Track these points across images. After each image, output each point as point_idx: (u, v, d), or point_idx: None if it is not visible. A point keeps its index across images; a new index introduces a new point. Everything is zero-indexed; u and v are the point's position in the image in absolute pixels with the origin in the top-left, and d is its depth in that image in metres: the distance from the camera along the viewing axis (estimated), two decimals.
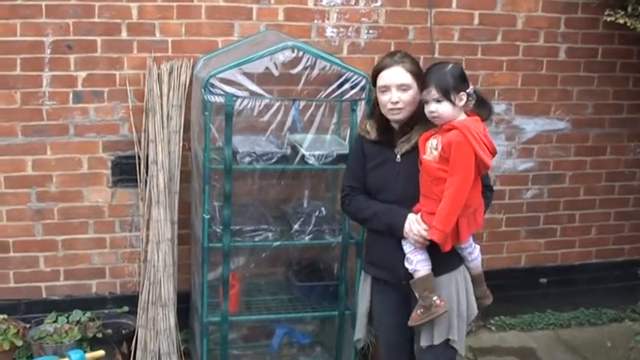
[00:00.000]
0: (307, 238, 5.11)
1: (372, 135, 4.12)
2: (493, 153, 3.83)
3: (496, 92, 6.05)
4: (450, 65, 3.83)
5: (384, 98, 3.99)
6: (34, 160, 5.35)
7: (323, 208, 5.28)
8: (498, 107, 6.06)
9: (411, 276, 3.96)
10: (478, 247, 4.15)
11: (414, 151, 3.95)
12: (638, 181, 6.68)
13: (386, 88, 3.98)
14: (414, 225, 3.89)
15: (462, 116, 3.81)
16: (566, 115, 6.33)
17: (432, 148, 3.82)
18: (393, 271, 4.08)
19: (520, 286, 6.45)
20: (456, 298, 4.05)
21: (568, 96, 6.30)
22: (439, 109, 3.75)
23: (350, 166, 4.33)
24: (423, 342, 4.06)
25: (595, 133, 6.46)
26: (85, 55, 5.27)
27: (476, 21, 5.93)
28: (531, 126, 6.26)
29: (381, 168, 4.08)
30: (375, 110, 4.17)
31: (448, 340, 4.02)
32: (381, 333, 4.41)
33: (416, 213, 3.93)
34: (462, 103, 3.77)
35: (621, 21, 5.38)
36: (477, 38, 5.96)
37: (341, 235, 5.06)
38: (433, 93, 3.74)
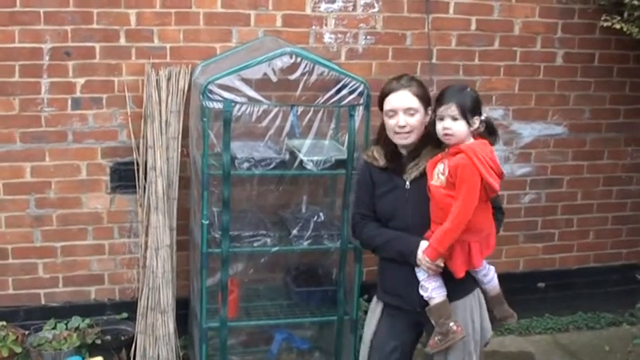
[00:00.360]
0: (306, 243, 5.11)
1: (380, 162, 4.11)
2: (500, 176, 3.83)
3: (493, 97, 6.06)
4: (469, 88, 3.88)
5: (391, 122, 3.99)
6: (32, 166, 5.36)
7: (321, 214, 5.28)
8: (496, 112, 6.08)
9: (425, 303, 3.95)
10: (493, 268, 4.14)
11: (423, 177, 3.95)
12: (635, 186, 6.69)
13: (393, 112, 3.97)
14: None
15: (470, 140, 3.83)
16: (563, 120, 6.34)
17: (439, 173, 3.83)
18: (407, 298, 4.07)
19: (518, 290, 6.42)
20: (471, 323, 4.05)
21: (565, 101, 6.31)
22: (454, 127, 3.77)
23: (358, 194, 4.30)
24: None
25: (592, 138, 6.47)
26: (84, 62, 5.28)
27: (473, 26, 5.94)
28: (529, 131, 6.28)
29: (390, 195, 4.07)
30: (381, 135, 4.17)
31: None
32: (383, 355, 4.30)
33: (428, 240, 3.91)
34: (475, 126, 3.80)
35: (617, 26, 5.40)
36: (474, 44, 5.98)
37: (339, 241, 5.06)
38: (453, 109, 3.76)
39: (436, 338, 3.92)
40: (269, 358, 5.59)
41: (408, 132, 3.96)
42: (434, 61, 5.83)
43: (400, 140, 4.01)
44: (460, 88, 3.89)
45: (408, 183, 4.01)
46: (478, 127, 3.82)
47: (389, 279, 4.17)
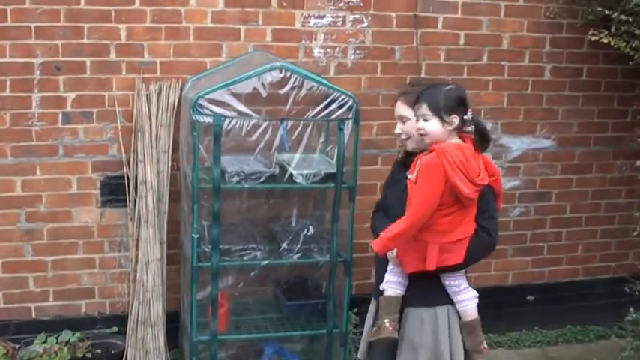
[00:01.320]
0: (295, 256, 5.14)
1: (400, 155, 4.28)
2: (474, 183, 3.70)
3: (482, 111, 6.07)
4: (450, 86, 3.83)
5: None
6: (23, 180, 5.37)
7: (311, 227, 5.29)
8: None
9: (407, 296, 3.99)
10: (472, 291, 4.00)
11: None
12: (623, 199, 6.72)
13: (397, 119, 4.08)
14: None
15: (454, 140, 3.77)
16: (551, 134, 6.38)
17: (416, 169, 3.80)
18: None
19: (508, 303, 6.47)
20: (432, 339, 3.97)
21: (553, 115, 6.35)
22: (426, 126, 3.74)
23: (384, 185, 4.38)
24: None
25: (581, 152, 6.51)
26: (74, 77, 5.30)
27: (462, 41, 5.98)
28: (517, 145, 6.31)
29: (394, 187, 4.12)
30: None
31: None
32: (374, 349, 4.24)
33: None
34: (453, 126, 3.73)
35: (605, 41, 5.42)
36: (462, 58, 6.01)
37: (329, 254, 5.08)
38: (424, 108, 3.74)
39: (374, 328, 4.02)
40: None
41: (405, 139, 4.04)
42: (422, 75, 5.85)
43: (406, 143, 4.09)
44: (435, 86, 3.84)
45: (410, 177, 4.00)
46: (462, 127, 3.75)
47: (378, 271, 4.20)
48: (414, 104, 3.85)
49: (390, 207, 4.10)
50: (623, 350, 4.92)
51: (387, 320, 3.89)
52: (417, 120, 3.82)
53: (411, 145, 4.03)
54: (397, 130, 4.05)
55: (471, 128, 3.78)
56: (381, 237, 3.79)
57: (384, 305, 3.94)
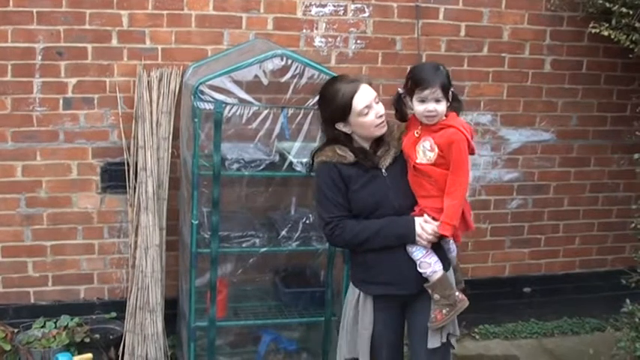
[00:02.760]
0: (294, 244, 5.17)
1: (349, 157, 4.02)
2: (472, 137, 3.93)
3: (482, 103, 6.11)
4: (441, 65, 3.92)
5: (368, 119, 3.93)
6: (23, 165, 5.39)
7: (310, 215, 5.28)
8: (484, 118, 6.15)
9: (421, 283, 3.99)
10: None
11: (396, 162, 4.01)
12: (621, 193, 6.74)
13: (368, 108, 3.93)
14: (426, 225, 3.91)
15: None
16: (551, 127, 6.40)
17: (425, 150, 3.86)
18: (404, 283, 4.06)
19: (504, 295, 6.50)
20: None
21: (553, 107, 6.37)
22: (438, 108, 3.81)
23: (328, 198, 4.08)
24: (432, 344, 4.08)
25: (579, 145, 6.53)
26: (76, 62, 5.31)
27: (462, 32, 6.00)
28: (516, 137, 6.33)
29: (370, 186, 4.02)
30: (336, 138, 4.08)
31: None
32: (381, 351, 4.26)
33: (419, 215, 3.96)
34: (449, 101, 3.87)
35: (605, 33, 5.43)
36: (463, 49, 6.03)
37: (328, 242, 5.08)
38: (437, 92, 3.79)
39: (444, 311, 3.96)
40: (256, 358, 5.61)
41: (384, 119, 3.99)
42: None
43: (381, 130, 3.99)
44: (435, 67, 3.90)
45: (384, 171, 4.02)
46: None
47: (378, 271, 4.10)
48: (418, 88, 3.85)
49: (378, 206, 4.02)
50: (619, 342, 4.93)
51: (457, 293, 3.98)
52: (423, 101, 3.83)
53: (383, 130, 4.01)
54: (382, 111, 3.95)
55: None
56: (446, 222, 3.84)
57: (445, 284, 3.97)
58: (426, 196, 3.93)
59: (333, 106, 3.97)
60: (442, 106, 3.81)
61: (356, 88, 3.95)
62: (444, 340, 4.08)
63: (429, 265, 3.96)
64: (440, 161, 3.82)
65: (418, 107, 3.86)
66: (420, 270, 3.97)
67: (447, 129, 3.81)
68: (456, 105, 3.95)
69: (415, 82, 3.87)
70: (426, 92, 3.82)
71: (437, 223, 3.87)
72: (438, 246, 4.01)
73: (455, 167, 3.80)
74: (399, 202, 4.00)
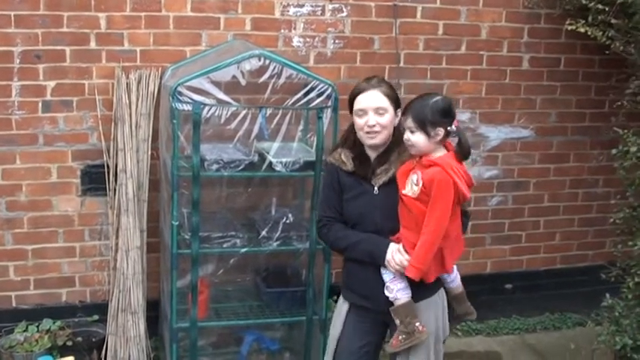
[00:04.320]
0: (275, 244, 5.16)
1: (349, 166, 4.10)
2: (470, 186, 3.86)
3: (460, 101, 6.13)
4: (436, 98, 3.83)
5: (360, 122, 4.00)
6: (3, 169, 5.38)
7: (290, 215, 5.30)
8: (463, 115, 6.16)
9: (391, 303, 3.98)
10: (455, 267, 4.17)
11: (392, 183, 3.97)
12: (601, 188, 6.78)
13: (363, 112, 3.98)
14: (396, 255, 3.89)
15: (441, 151, 3.84)
16: (529, 124, 6.43)
17: (412, 183, 3.83)
18: (372, 299, 4.09)
19: (486, 292, 6.51)
20: (434, 323, 4.08)
21: (531, 104, 6.40)
22: (412, 138, 3.79)
23: (325, 197, 4.27)
24: None
25: (558, 141, 6.57)
26: (54, 65, 5.30)
27: (440, 31, 6.02)
28: (495, 134, 6.36)
29: (359, 200, 4.07)
30: (348, 138, 4.20)
31: None
32: (340, 355, 4.32)
33: (396, 242, 3.94)
34: (439, 138, 3.78)
35: (582, 30, 5.46)
36: (441, 48, 6.05)
37: (308, 242, 5.10)
38: (409, 122, 3.78)
39: (400, 337, 3.95)
40: (239, 359, 5.62)
41: (377, 131, 3.98)
42: (401, 65, 5.90)
43: (369, 140, 4.01)
44: (423, 98, 3.85)
45: (376, 188, 4.03)
46: (445, 139, 3.82)
47: (355, 280, 4.18)
48: (402, 113, 3.90)
49: (361, 220, 4.07)
50: (599, 336, 4.96)
51: (417, 324, 3.92)
52: (403, 130, 3.84)
53: (379, 138, 4.01)
54: (371, 122, 3.96)
55: (455, 139, 3.86)
56: (413, 265, 3.79)
57: (407, 312, 3.93)
58: (406, 227, 3.91)
59: (348, 97, 4.10)
60: (416, 138, 3.77)
61: (363, 90, 4.03)
62: None
63: (392, 291, 3.95)
64: (423, 197, 3.77)
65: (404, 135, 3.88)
66: (386, 292, 3.98)
67: (434, 167, 3.75)
68: (458, 150, 3.86)
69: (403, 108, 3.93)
70: (402, 119, 3.88)
71: (407, 257, 3.85)
72: None
73: (431, 207, 3.73)
74: (381, 221, 4.01)
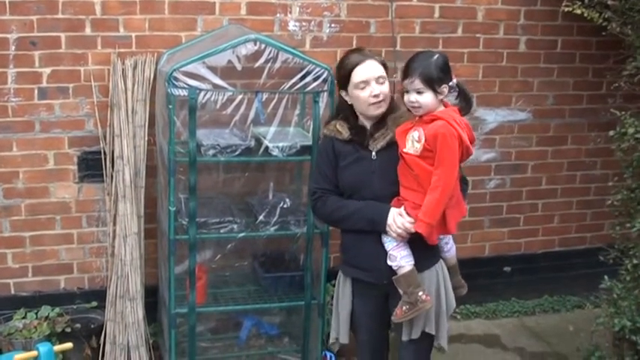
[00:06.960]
0: (272, 229, 5.16)
1: (345, 134, 4.11)
2: (472, 141, 3.86)
3: None
4: (436, 56, 3.85)
5: (363, 94, 3.99)
6: None
7: (287, 200, 5.30)
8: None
9: (392, 274, 3.97)
10: (451, 236, 4.21)
11: (390, 147, 3.98)
12: (598, 170, 6.78)
13: (365, 84, 3.98)
14: (398, 218, 3.88)
15: (441, 107, 3.85)
16: (527, 106, 6.42)
17: (413, 140, 3.82)
18: (374, 271, 4.08)
19: (485, 275, 6.52)
20: (436, 293, 4.09)
21: (529, 87, 6.39)
22: (420, 99, 3.78)
23: (319, 168, 4.27)
24: (405, 336, 4.12)
25: (556, 124, 6.56)
26: (50, 52, 5.29)
27: (436, 14, 6.00)
28: (493, 117, 6.35)
29: (355, 166, 4.07)
30: (340, 111, 4.22)
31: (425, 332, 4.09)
32: (361, 333, 4.35)
33: (396, 206, 3.94)
34: (444, 95, 3.81)
35: (578, 11, 5.43)
36: (437, 31, 6.03)
37: (306, 226, 5.10)
38: (416, 83, 3.77)
39: (404, 307, 3.94)
40: (238, 344, 5.65)
41: (382, 100, 3.99)
42: (398, 48, 5.88)
43: (375, 111, 4.02)
44: (425, 57, 3.85)
45: (374, 153, 4.04)
46: (447, 96, 3.85)
47: (355, 253, 4.16)
48: (402, 77, 3.88)
49: (359, 187, 4.06)
50: (598, 318, 4.97)
51: (420, 293, 3.90)
52: (407, 92, 3.83)
53: (385, 107, 4.03)
54: (376, 92, 3.96)
55: (454, 94, 3.89)
56: (422, 220, 3.78)
57: (410, 281, 3.92)
58: (407, 188, 3.90)
59: (340, 72, 4.09)
60: (425, 98, 3.78)
61: (360, 61, 4.01)
62: (415, 336, 4.09)
63: (395, 259, 3.95)
64: (426, 154, 3.76)
65: (405, 97, 3.87)
66: (388, 262, 3.97)
67: (437, 121, 3.75)
68: (462, 104, 3.91)
69: (402, 71, 3.90)
70: (406, 82, 3.84)
71: (410, 219, 3.84)
72: (425, 243, 3.94)
73: (438, 161, 3.72)
74: (381, 187, 4.01)
